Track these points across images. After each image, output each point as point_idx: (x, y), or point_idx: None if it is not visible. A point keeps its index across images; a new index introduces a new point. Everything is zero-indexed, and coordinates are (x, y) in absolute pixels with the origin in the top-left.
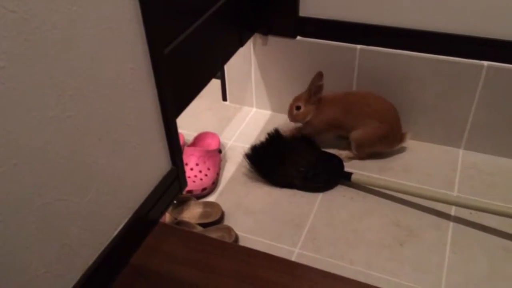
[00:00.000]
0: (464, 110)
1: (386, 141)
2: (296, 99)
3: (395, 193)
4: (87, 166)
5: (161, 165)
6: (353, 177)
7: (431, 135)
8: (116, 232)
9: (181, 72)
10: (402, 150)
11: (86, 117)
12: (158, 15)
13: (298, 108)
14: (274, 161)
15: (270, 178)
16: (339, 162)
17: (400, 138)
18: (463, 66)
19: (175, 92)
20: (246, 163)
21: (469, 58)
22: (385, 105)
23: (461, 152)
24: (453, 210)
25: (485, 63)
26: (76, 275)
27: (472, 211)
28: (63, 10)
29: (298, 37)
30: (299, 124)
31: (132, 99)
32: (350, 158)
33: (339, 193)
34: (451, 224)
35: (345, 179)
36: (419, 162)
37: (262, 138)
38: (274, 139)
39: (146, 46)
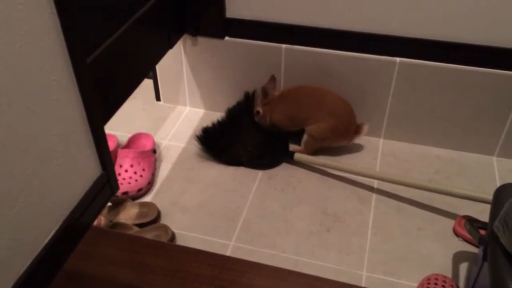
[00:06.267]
0: (381, 103)
1: (339, 135)
2: (256, 103)
3: (322, 183)
4: (13, 178)
5: (91, 171)
6: (296, 156)
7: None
8: (47, 240)
9: (107, 79)
10: None
11: (9, 130)
12: (79, 26)
13: (258, 112)
14: (224, 141)
15: (219, 157)
16: (284, 142)
17: (356, 130)
18: (378, 62)
19: (102, 99)
20: (182, 161)
21: (383, 55)
22: (334, 100)
23: (381, 141)
24: (373, 197)
25: (397, 59)
26: (7, 285)
27: (391, 195)
28: None
29: (226, 38)
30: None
31: (56, 109)
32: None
33: (271, 186)
34: (372, 209)
35: (289, 157)
36: (344, 152)
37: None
38: (227, 119)
39: (67, 57)
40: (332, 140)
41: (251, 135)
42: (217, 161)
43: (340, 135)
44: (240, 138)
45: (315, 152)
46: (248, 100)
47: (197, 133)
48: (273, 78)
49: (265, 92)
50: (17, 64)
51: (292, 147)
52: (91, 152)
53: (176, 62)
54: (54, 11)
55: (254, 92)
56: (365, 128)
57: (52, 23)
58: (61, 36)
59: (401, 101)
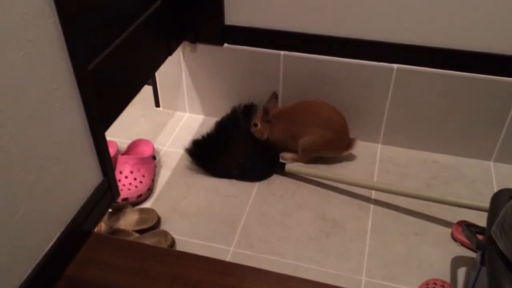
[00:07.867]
0: (379, 109)
1: (332, 148)
2: (255, 116)
3: (320, 188)
4: (15, 186)
5: (92, 177)
6: (287, 167)
7: (351, 133)
8: (48, 247)
9: (108, 86)
10: None
11: (12, 138)
12: (81, 34)
13: (255, 125)
14: (214, 154)
15: (211, 171)
16: (274, 153)
17: (348, 144)
18: (376, 69)
19: (103, 105)
20: (181, 167)
21: (381, 61)
22: (329, 113)
23: (379, 147)
24: (372, 203)
25: (395, 65)
26: None
27: (390, 201)
28: None
29: (225, 45)
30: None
31: (58, 117)
32: (294, 160)
33: (270, 191)
34: (371, 214)
35: (280, 169)
36: (342, 158)
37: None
38: (215, 132)
39: (69, 65)
40: (324, 152)
41: (241, 147)
42: (209, 175)
43: (333, 148)
44: (231, 151)
45: (312, 160)
46: (235, 113)
47: (187, 147)
48: (274, 96)
49: (266, 111)
50: (20, 72)
51: (288, 154)
52: (92, 159)
53: (176, 69)
54: (57, 20)
55: (245, 106)
56: (356, 144)
57: (54, 31)
58: (64, 44)
59: (399, 107)
